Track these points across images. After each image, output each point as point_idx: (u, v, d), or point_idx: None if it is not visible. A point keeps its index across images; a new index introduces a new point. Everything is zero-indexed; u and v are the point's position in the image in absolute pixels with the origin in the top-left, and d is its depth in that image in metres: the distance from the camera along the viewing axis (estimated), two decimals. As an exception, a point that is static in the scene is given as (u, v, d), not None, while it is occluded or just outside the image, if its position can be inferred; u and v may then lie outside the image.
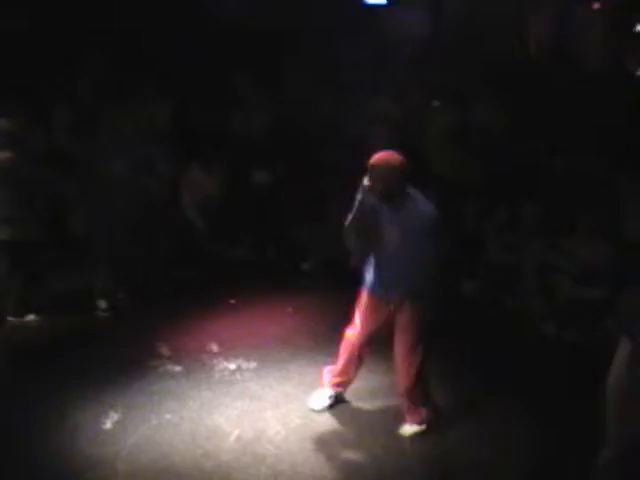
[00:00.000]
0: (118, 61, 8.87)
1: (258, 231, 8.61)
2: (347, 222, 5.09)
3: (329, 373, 5.54)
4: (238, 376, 5.95)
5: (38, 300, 7.20)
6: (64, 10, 8.94)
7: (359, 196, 4.99)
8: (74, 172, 7.43)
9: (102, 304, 7.32)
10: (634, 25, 9.68)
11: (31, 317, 7.06)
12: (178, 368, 6.04)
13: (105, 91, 8.36)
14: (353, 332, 5.32)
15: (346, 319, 5.65)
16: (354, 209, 5.03)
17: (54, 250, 7.63)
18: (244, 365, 6.09)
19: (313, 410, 5.44)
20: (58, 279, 7.62)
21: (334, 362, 5.50)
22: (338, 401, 5.53)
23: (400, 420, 5.24)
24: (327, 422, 5.31)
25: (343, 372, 5.47)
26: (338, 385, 5.53)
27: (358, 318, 5.28)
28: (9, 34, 8.53)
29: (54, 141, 7.88)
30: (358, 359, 5.40)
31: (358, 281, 5.37)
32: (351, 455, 4.95)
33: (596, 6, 9.92)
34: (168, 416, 5.34)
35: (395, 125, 9.05)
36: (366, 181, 4.93)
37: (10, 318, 7.02)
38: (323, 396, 5.50)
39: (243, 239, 8.52)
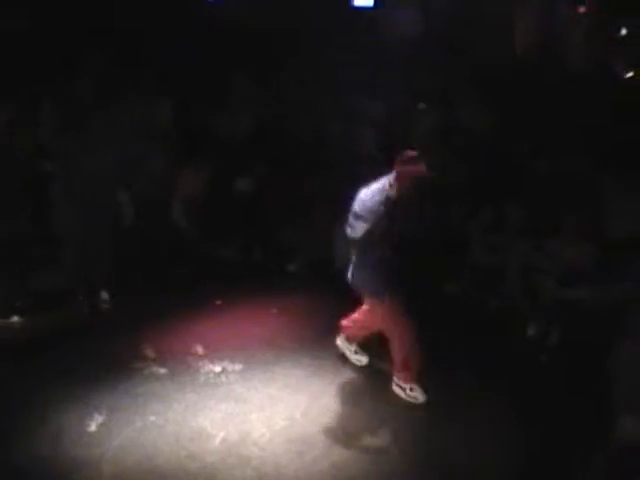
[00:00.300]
0: (117, 61, 8.86)
1: (245, 232, 8.61)
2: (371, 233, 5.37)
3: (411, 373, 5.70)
4: (223, 378, 5.94)
5: (22, 300, 7.19)
6: (64, 10, 8.91)
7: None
8: (59, 168, 7.37)
9: (84, 301, 7.34)
10: (619, 29, 9.71)
11: (15, 318, 7.05)
12: (163, 370, 6.03)
13: (103, 90, 8.31)
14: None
15: (331, 322, 5.70)
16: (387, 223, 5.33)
17: (39, 247, 7.65)
18: (229, 367, 6.08)
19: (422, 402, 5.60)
20: (43, 277, 7.62)
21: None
22: (324, 404, 5.57)
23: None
24: (311, 424, 5.32)
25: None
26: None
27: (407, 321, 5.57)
28: (8, 34, 8.50)
29: (39, 137, 7.81)
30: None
31: (343, 283, 5.44)
32: (335, 457, 4.95)
33: (582, 9, 9.96)
34: (153, 418, 5.34)
35: (380, 127, 9.08)
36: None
37: None
38: (418, 389, 5.65)
39: (229, 239, 8.50)
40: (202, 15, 9.85)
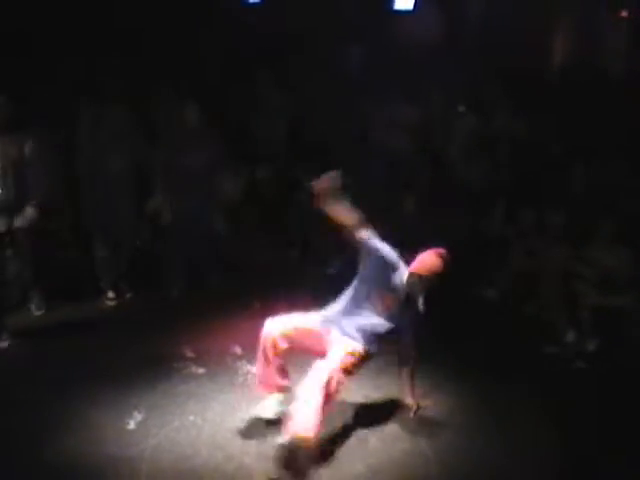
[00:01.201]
0: (141, 61, 8.96)
1: (283, 234, 8.65)
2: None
3: None
4: (262, 379, 5.95)
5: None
6: (66, 11, 9.00)
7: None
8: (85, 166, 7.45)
9: (110, 294, 7.51)
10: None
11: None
12: (202, 370, 6.07)
13: (129, 89, 8.36)
14: None
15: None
16: None
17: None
18: (267, 369, 6.10)
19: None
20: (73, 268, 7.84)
21: None
22: (360, 407, 5.58)
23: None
24: (349, 427, 5.32)
25: None
26: None
27: None
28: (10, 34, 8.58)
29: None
30: None
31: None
32: (372, 460, 4.95)
33: (624, 14, 9.88)
34: (191, 418, 5.37)
35: (416, 131, 9.07)
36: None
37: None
38: None
39: (266, 242, 8.53)
40: (236, 16, 9.90)
